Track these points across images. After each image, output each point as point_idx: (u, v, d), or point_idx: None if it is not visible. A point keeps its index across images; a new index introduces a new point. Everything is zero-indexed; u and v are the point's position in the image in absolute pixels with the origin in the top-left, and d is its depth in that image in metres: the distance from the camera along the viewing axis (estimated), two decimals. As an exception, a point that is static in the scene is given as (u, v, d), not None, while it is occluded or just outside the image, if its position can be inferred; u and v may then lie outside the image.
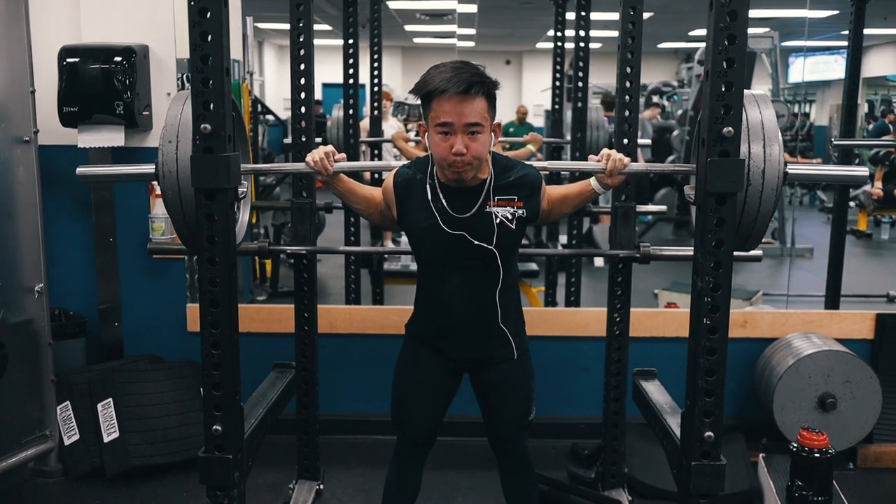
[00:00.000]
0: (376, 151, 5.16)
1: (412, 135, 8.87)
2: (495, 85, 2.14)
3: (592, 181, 2.31)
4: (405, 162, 2.37)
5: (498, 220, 2.21)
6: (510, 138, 5.27)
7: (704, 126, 1.93)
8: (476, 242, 2.21)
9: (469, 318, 2.30)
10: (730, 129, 1.90)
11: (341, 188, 2.33)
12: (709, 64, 1.91)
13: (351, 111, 4.49)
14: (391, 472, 2.47)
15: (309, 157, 2.25)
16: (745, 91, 2.00)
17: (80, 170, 2.40)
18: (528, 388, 2.43)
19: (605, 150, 2.27)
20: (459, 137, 2.09)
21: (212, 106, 1.95)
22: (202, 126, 1.94)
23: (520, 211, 2.23)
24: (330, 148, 2.26)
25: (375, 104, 4.97)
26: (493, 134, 2.18)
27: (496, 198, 2.21)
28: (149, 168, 2.25)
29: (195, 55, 1.93)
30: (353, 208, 2.44)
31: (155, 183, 3.46)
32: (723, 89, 1.89)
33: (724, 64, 1.88)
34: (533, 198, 2.26)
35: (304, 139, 2.97)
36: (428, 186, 2.22)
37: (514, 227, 2.23)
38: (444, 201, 2.21)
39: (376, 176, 4.74)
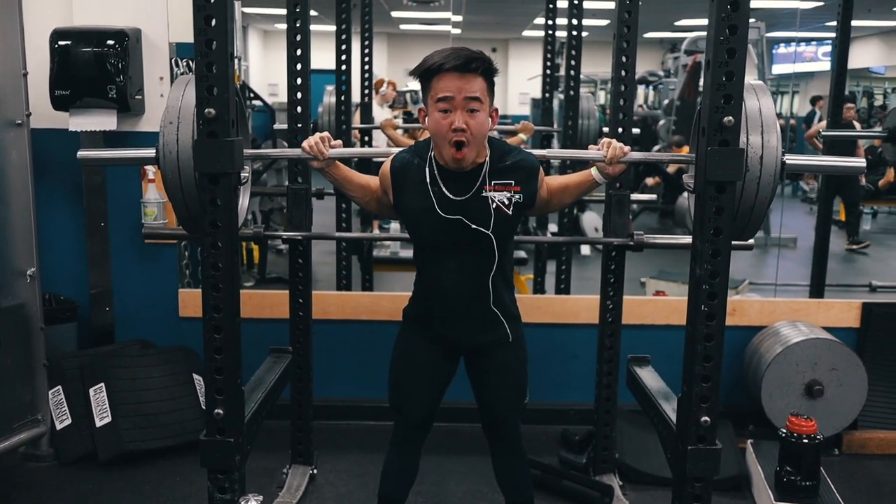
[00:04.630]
0: (367, 138, 5.16)
1: (399, 121, 8.90)
2: (495, 68, 2.16)
3: (593, 171, 2.31)
4: (402, 148, 2.38)
5: (494, 205, 2.22)
6: (503, 127, 5.29)
7: (705, 115, 1.95)
8: (473, 226, 2.22)
9: (464, 302, 2.32)
10: (730, 118, 1.92)
11: (337, 175, 2.33)
12: (710, 53, 1.93)
13: (343, 97, 4.47)
14: (389, 456, 2.48)
15: (305, 143, 2.25)
16: (745, 81, 2.02)
17: (80, 153, 2.39)
18: (522, 371, 2.45)
19: (605, 139, 2.28)
20: (459, 113, 2.11)
21: (215, 90, 1.95)
22: (206, 111, 1.93)
23: (517, 196, 2.23)
24: (325, 134, 2.27)
25: (366, 91, 4.97)
26: (491, 118, 2.19)
27: (493, 182, 2.22)
28: (149, 151, 2.22)
29: (199, 39, 1.93)
30: (349, 196, 2.46)
31: (147, 168, 3.48)
32: (724, 79, 1.91)
33: (726, 54, 1.90)
34: (530, 182, 2.26)
35: (299, 125, 2.97)
36: (427, 170, 2.23)
37: (510, 212, 2.23)
38: (441, 185, 2.22)
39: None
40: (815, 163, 2.38)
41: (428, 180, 2.23)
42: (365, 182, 2.37)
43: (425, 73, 2.14)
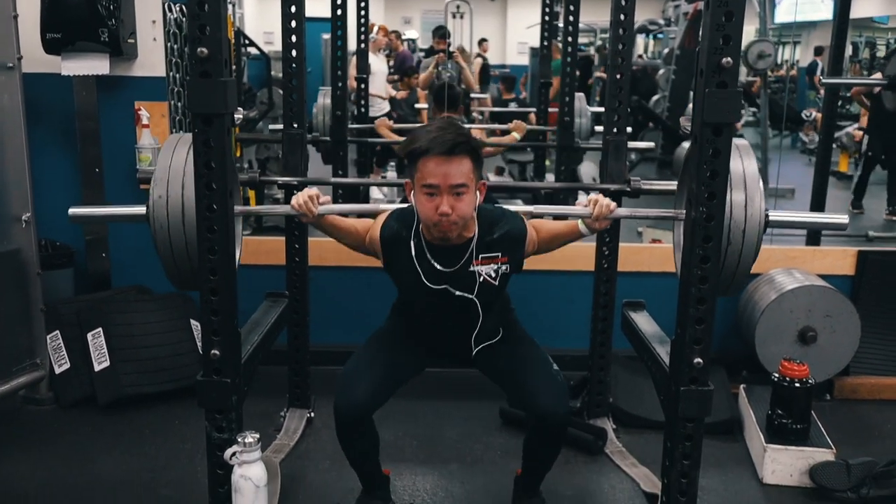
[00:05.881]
0: (363, 102, 5.09)
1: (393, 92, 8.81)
2: (480, 145, 2.19)
3: (580, 224, 2.32)
4: (392, 207, 2.38)
5: (481, 279, 2.28)
6: (496, 125, 5.24)
7: (703, 56, 1.93)
8: (458, 293, 2.28)
9: (447, 345, 2.45)
10: (728, 59, 1.90)
11: (325, 225, 2.36)
12: (709, -7, 1.91)
13: (339, 42, 4.42)
14: (341, 440, 2.43)
15: (294, 201, 2.27)
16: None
17: (72, 211, 2.38)
18: (528, 343, 2.47)
19: (593, 196, 2.27)
20: (445, 198, 2.12)
21: (208, 30, 1.92)
22: (199, 50, 1.91)
23: (503, 266, 2.29)
24: (315, 191, 2.28)
25: (362, 38, 4.91)
26: (478, 192, 2.21)
27: (480, 256, 2.27)
28: (140, 209, 2.25)
29: (190, -24, 1.89)
30: (338, 241, 2.46)
31: (141, 113, 3.46)
32: (723, 19, 1.89)
33: (725, -7, 1.88)
34: (517, 250, 2.31)
35: (294, 66, 2.95)
36: (413, 244, 2.26)
37: (496, 283, 2.29)
38: (429, 258, 2.26)
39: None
40: (798, 218, 2.41)
41: (415, 254, 2.27)
42: (352, 228, 2.39)
43: (410, 156, 2.15)
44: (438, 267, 2.25)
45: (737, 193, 2.11)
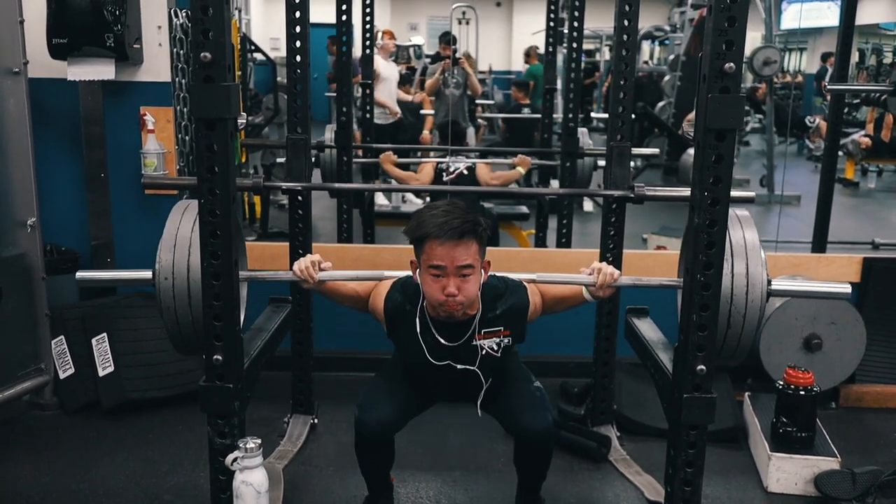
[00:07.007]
0: (368, 108, 5.09)
1: (402, 71, 8.82)
2: (486, 228, 2.21)
3: (584, 291, 2.32)
4: (395, 275, 2.38)
5: (484, 352, 2.33)
6: (500, 160, 5.22)
7: (706, 62, 1.93)
8: (460, 367, 2.33)
9: (451, 396, 2.52)
10: (731, 65, 1.89)
11: (326, 290, 2.37)
12: (712, -1, 1.90)
13: (344, 48, 4.42)
14: (359, 453, 2.45)
15: (295, 267, 2.28)
16: (730, 211, 2.02)
17: (79, 274, 2.36)
18: (516, 364, 2.51)
19: (596, 264, 2.27)
20: (451, 280, 2.15)
21: (211, 34, 1.92)
22: (202, 55, 1.91)
23: (506, 340, 2.34)
24: (317, 257, 2.30)
25: (367, 44, 4.92)
26: (483, 271, 2.23)
27: (483, 331, 2.31)
28: (146, 273, 2.24)
29: (194, -19, 1.90)
30: (341, 304, 2.46)
31: (146, 118, 3.46)
32: (726, 25, 1.88)
33: (728, -1, 1.87)
34: (519, 322, 2.35)
35: (298, 72, 2.95)
36: (418, 321, 2.29)
37: (498, 354, 2.35)
38: (433, 332, 2.30)
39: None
40: (800, 288, 2.38)
41: (419, 329, 2.30)
42: (353, 293, 2.41)
43: (418, 240, 2.18)
44: (442, 341, 2.29)
45: (738, 263, 2.12)
